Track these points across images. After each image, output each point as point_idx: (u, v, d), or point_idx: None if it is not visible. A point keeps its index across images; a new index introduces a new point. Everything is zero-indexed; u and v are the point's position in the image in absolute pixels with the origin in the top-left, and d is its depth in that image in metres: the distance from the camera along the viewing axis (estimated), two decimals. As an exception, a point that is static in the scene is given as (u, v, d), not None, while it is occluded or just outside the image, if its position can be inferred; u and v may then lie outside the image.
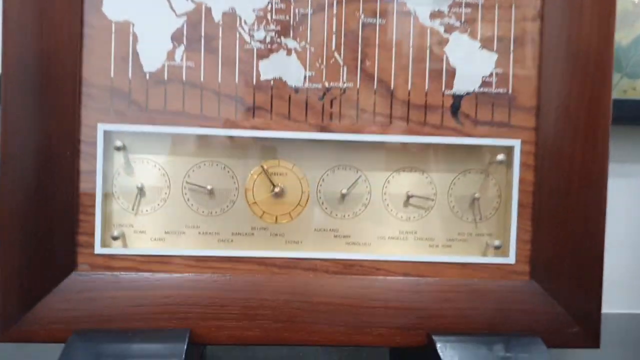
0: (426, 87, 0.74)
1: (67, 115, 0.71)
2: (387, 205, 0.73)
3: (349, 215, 0.73)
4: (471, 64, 0.77)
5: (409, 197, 0.73)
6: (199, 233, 0.72)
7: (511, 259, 0.73)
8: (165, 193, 0.76)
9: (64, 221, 0.66)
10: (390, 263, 0.73)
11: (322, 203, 0.73)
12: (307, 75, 0.76)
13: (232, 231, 0.72)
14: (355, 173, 0.73)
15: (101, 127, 0.74)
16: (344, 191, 0.73)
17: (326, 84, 0.74)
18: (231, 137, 0.71)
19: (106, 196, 0.71)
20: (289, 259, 0.71)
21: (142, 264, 0.74)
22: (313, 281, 0.70)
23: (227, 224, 0.72)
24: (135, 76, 0.75)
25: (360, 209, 0.73)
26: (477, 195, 0.74)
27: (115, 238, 0.75)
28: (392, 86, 0.71)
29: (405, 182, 0.74)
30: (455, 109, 0.72)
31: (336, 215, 0.73)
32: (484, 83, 0.75)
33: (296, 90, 0.74)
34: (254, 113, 0.74)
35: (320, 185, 0.73)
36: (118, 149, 0.75)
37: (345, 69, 0.76)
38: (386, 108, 0.72)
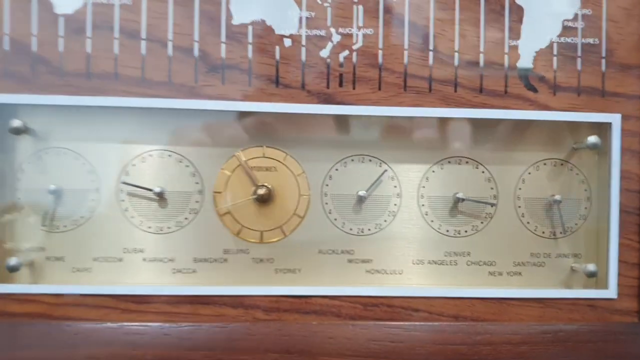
0: (481, 36, 0.54)
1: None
2: (426, 214, 0.57)
3: (369, 230, 0.57)
4: (546, 1, 0.55)
5: (458, 201, 0.54)
6: (144, 260, 0.55)
7: (611, 292, 0.55)
8: (93, 199, 0.53)
9: None
10: (432, 301, 0.54)
11: (330, 212, 0.52)
12: (304, 16, 0.52)
13: (194, 256, 0.56)
14: (378, 166, 0.56)
15: (-10, 99, 0.50)
16: (363, 193, 0.55)
17: (332, 31, 0.50)
18: (190, 112, 0.53)
19: (3, 205, 0.53)
20: (281, 298, 0.53)
21: (57, 308, 0.52)
22: (318, 331, 0.53)
23: (187, 246, 0.55)
24: (44, 21, 0.52)
25: (386, 219, 0.57)
26: (556, 197, 0.56)
27: (13, 269, 0.51)
28: (430, 34, 0.54)
29: (452, 179, 0.57)
30: (524, 69, 0.55)
31: (351, 229, 0.57)
32: (566, 30, 0.55)
33: (287, 39, 0.49)
34: (223, 75, 0.51)
35: (327, 184, 0.56)
36: (18, 132, 0.51)
37: (360, 8, 0.52)
38: (423, 67, 0.54)
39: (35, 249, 0.54)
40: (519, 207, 0.57)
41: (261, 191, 0.54)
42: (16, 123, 0.51)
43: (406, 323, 0.53)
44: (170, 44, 0.52)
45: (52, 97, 0.51)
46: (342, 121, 0.55)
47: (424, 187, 0.56)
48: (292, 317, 0.53)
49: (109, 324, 0.51)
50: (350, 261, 0.56)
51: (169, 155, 0.54)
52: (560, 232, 0.57)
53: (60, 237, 0.54)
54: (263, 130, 0.55)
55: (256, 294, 0.53)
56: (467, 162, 0.56)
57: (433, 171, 0.56)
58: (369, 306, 0.54)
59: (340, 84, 0.53)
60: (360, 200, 0.56)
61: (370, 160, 0.56)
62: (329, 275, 0.56)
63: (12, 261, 0.52)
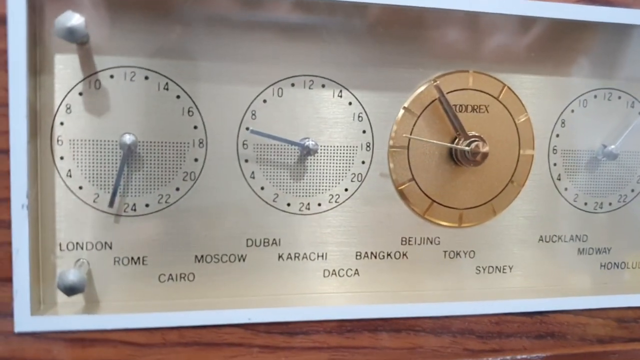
0: None
1: None
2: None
3: (610, 205, 0.42)
4: None
5: None
6: (280, 256, 0.37)
7: None
8: (196, 159, 0.32)
9: None
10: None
11: (559, 177, 0.40)
12: None
13: (361, 250, 0.38)
14: (629, 107, 0.41)
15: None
16: (612, 148, 0.40)
17: None
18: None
19: (42, 175, 0.33)
20: (504, 317, 0.37)
21: (150, 350, 0.33)
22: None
23: (348, 233, 0.38)
24: None
25: (633, 188, 0.42)
26: None
27: (73, 290, 0.31)
28: None
29: None
30: None
31: (586, 204, 0.41)
32: None
33: None
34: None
35: (557, 135, 0.40)
36: (75, 37, 0.29)
37: None
38: None
39: (96, 247, 0.33)
40: None
41: (484, 148, 0.35)
42: (74, 20, 0.29)
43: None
44: None
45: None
46: (595, 31, 0.37)
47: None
48: (519, 345, 0.37)
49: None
50: (581, 251, 0.40)
51: (312, 85, 0.35)
52: None
53: (140, 225, 0.34)
54: (469, 44, 0.36)
55: (469, 312, 0.36)
56: None
57: None
58: (623, 322, 0.38)
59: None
60: (603, 158, 0.39)
61: (619, 98, 0.39)
62: (553, 275, 0.40)
63: (71, 276, 0.31)
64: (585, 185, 0.40)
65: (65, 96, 0.32)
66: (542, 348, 0.37)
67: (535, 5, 0.35)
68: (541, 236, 0.39)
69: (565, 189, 0.39)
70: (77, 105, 0.32)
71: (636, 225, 0.41)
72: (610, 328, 0.38)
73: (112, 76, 0.33)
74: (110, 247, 0.34)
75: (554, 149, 0.39)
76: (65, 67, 0.32)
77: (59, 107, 0.32)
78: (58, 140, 0.32)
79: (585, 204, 0.40)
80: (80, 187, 0.33)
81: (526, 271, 0.39)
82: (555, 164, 0.39)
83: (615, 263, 0.41)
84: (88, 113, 0.32)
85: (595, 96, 0.39)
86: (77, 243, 0.33)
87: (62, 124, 0.32)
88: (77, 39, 0.30)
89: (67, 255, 0.33)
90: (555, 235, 0.40)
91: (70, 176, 0.33)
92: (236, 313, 0.33)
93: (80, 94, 0.32)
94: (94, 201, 0.33)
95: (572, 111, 0.39)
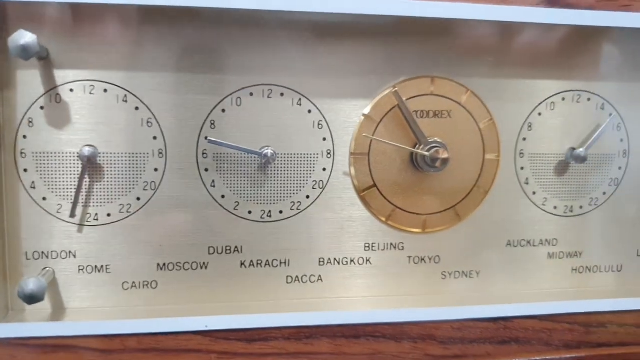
0: None
1: None
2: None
3: (580, 208, 0.42)
4: None
5: None
6: (242, 264, 0.38)
7: None
8: (156, 169, 0.34)
9: None
10: (676, 313, 0.41)
11: (527, 181, 0.41)
12: None
13: (320, 256, 0.39)
14: (599, 109, 0.41)
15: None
16: (580, 151, 0.40)
17: None
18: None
19: (7, 187, 0.35)
20: (466, 323, 0.38)
21: (112, 357, 0.34)
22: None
23: (309, 241, 0.39)
24: None
25: (605, 191, 0.43)
26: None
27: (34, 299, 0.32)
28: None
29: None
30: None
31: (555, 207, 0.42)
32: None
33: None
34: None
35: (524, 139, 0.41)
36: (28, 54, 0.31)
37: None
38: None
39: (58, 256, 0.35)
40: None
41: (443, 154, 0.36)
42: (27, 38, 0.30)
43: (646, 350, 0.39)
44: None
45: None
46: (560, 33, 0.38)
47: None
48: (483, 351, 0.37)
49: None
50: (551, 256, 0.40)
51: (274, 94, 0.35)
52: None
53: (102, 234, 0.35)
54: (430, 49, 0.37)
55: (429, 319, 0.36)
56: None
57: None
58: (592, 327, 0.38)
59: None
60: (572, 162, 0.39)
61: (589, 100, 0.39)
62: (520, 280, 0.40)
63: (31, 285, 0.32)
64: (555, 188, 0.40)
65: (28, 110, 0.34)
66: (506, 354, 0.38)
67: (498, 10, 0.35)
68: (509, 241, 0.40)
69: (534, 193, 0.40)
70: (39, 119, 0.34)
71: (609, 228, 0.41)
72: (577, 333, 0.39)
73: (72, 90, 0.34)
74: (75, 256, 0.35)
75: (520, 153, 0.39)
76: (27, 82, 0.34)
77: (22, 120, 0.34)
78: (22, 153, 0.34)
79: (555, 207, 0.40)
80: (44, 199, 0.35)
81: (494, 276, 0.40)
82: (522, 168, 0.39)
83: (587, 267, 0.41)
84: (50, 126, 0.34)
85: (564, 98, 0.39)
86: (42, 252, 0.35)
87: (25, 137, 0.34)
88: (31, 56, 0.31)
89: (34, 264, 0.35)
90: (524, 240, 0.40)
91: (34, 188, 0.34)
92: (193, 320, 0.34)
93: (42, 107, 0.34)
94: (58, 212, 0.35)
95: (540, 114, 0.39)
